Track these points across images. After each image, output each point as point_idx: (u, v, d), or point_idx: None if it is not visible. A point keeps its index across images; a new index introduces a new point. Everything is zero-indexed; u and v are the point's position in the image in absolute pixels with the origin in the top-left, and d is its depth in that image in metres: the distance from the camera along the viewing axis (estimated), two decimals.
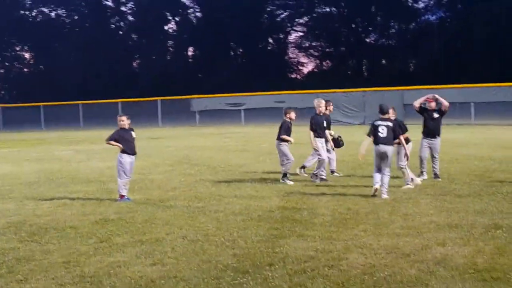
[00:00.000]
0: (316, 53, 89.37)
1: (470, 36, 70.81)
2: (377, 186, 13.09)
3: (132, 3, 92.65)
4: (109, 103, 56.74)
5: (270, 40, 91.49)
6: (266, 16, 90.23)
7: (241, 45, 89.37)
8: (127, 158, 13.68)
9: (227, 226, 10.42)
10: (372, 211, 11.37)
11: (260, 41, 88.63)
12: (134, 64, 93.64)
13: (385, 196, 12.93)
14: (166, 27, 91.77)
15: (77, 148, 31.05)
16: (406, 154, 14.03)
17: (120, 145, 13.61)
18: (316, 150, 16.01)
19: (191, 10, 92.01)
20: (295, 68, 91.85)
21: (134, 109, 54.03)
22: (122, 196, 13.60)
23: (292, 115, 16.45)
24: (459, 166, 17.87)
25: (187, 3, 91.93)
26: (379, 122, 13.58)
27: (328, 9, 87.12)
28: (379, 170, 13.24)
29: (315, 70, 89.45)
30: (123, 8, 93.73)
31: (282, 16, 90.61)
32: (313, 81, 73.36)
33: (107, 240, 9.71)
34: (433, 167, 15.67)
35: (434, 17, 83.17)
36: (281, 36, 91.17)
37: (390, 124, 13.53)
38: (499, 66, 63.64)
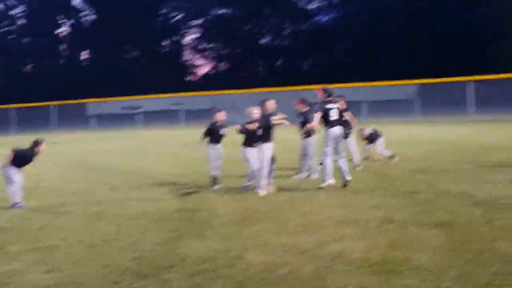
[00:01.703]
0: (212, 55, 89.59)
1: (363, 35, 72.60)
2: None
3: (22, 6, 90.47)
4: (0, 109, 55.24)
5: (166, 43, 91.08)
6: (161, 18, 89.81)
7: (136, 47, 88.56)
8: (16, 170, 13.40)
9: (127, 230, 10.33)
10: (271, 210, 11.49)
11: (155, 44, 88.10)
12: (27, 69, 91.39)
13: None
14: (58, 31, 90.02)
15: None
16: None
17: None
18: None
19: (84, 13, 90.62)
20: (192, 70, 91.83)
21: (28, 114, 52.91)
22: (15, 204, 13.29)
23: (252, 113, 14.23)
24: None
25: (80, 6, 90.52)
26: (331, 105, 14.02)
27: (223, 11, 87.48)
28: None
29: (212, 71, 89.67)
30: (12, 12, 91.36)
31: (177, 18, 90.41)
32: (210, 83, 73.62)
33: (2, 248, 9.45)
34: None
35: (326, 18, 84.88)
36: (176, 38, 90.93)
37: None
38: (386, 64, 65.65)
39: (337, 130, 13.87)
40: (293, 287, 6.91)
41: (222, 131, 15.28)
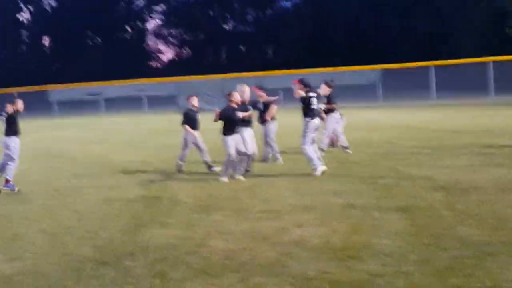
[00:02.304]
0: (175, 41, 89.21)
1: (326, 21, 72.86)
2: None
3: None
4: None
5: (128, 29, 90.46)
6: (123, 4, 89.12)
7: (98, 34, 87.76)
8: (18, 140, 13.93)
9: (88, 218, 10.27)
10: (233, 197, 11.50)
11: (117, 30, 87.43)
12: None
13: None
14: (19, 17, 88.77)
15: None
16: None
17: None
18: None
19: None
20: (155, 56, 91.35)
21: None
22: (8, 181, 13.46)
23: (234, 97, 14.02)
24: None
25: None
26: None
27: None
28: None
29: (175, 58, 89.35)
30: None
31: (139, 3, 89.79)
32: (174, 69, 73.34)
33: None
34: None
35: (289, 3, 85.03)
36: (139, 24, 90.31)
37: None
38: (349, 50, 66.06)
39: (317, 121, 13.87)
40: (255, 273, 6.92)
41: (198, 116, 15.23)
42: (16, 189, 13.45)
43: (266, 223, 9.22)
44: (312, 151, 13.66)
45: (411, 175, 12.87)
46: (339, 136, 17.57)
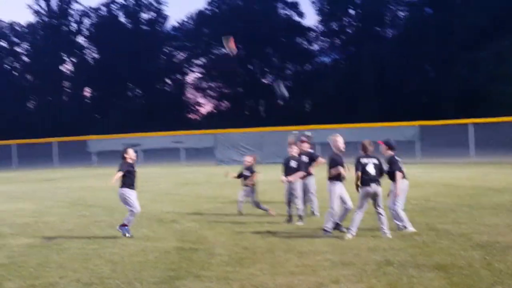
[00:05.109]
0: (213, 94, 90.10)
1: (361, 76, 73.15)
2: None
3: (27, 43, 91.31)
4: (2, 145, 55.03)
5: (168, 81, 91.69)
6: (164, 57, 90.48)
7: (138, 85, 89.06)
8: (132, 192, 14.56)
9: (123, 268, 10.27)
10: (268, 250, 11.43)
11: (157, 82, 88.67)
12: (30, 105, 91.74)
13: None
14: (62, 68, 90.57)
15: None
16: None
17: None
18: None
19: (88, 51, 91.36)
20: (193, 108, 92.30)
21: (29, 150, 52.76)
22: (124, 225, 13.90)
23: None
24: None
25: (84, 43, 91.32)
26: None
27: (224, 50, 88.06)
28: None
29: (213, 110, 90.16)
30: (17, 49, 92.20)
31: (180, 57, 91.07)
32: (211, 121, 73.85)
33: None
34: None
35: (328, 58, 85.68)
36: (179, 76, 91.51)
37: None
38: (386, 106, 66.07)
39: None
40: None
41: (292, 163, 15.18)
42: (129, 235, 13.67)
43: (302, 278, 9.14)
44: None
45: (449, 232, 12.71)
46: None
